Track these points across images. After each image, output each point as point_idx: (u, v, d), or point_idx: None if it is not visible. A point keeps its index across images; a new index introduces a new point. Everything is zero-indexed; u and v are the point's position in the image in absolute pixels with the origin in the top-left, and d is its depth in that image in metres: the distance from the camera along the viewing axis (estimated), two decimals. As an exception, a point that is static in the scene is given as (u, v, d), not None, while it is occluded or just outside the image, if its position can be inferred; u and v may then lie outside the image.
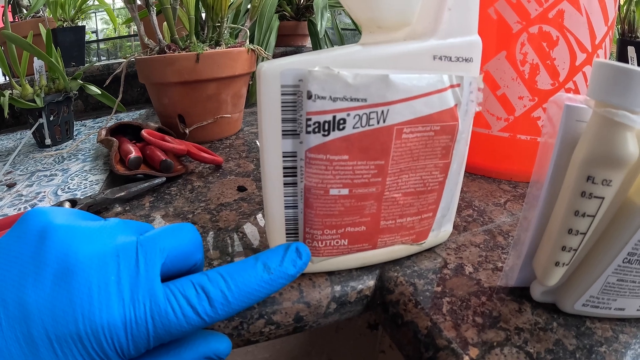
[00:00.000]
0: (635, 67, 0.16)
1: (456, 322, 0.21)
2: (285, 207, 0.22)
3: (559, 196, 0.20)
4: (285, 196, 0.22)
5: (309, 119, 0.19)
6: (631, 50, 0.61)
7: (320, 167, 0.20)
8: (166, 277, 0.17)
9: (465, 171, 0.26)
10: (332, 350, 0.38)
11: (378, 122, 0.19)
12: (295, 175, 0.21)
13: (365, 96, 0.18)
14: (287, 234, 0.23)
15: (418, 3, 0.20)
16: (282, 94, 0.19)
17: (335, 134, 0.19)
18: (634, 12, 0.69)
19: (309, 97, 0.18)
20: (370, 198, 0.21)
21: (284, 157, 0.20)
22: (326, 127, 0.19)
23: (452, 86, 0.20)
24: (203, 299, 0.16)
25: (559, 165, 0.20)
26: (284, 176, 0.21)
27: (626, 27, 0.71)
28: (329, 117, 0.19)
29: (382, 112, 0.19)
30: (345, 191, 0.20)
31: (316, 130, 0.19)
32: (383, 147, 0.20)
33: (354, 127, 0.19)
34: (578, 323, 0.21)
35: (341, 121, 0.19)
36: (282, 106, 0.19)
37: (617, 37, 0.74)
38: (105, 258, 0.16)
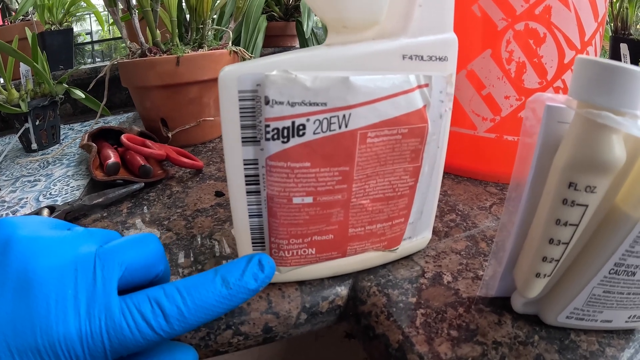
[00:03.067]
0: (619, 64, 0.15)
1: (430, 335, 0.20)
2: (249, 216, 0.21)
3: (540, 203, 0.19)
4: (249, 205, 0.21)
5: (268, 126, 0.18)
6: (624, 48, 0.60)
7: (281, 175, 0.19)
8: (127, 289, 0.17)
9: (450, 173, 0.25)
10: (313, 358, 0.37)
11: (340, 127, 0.18)
12: (259, 184, 0.20)
13: (325, 100, 0.17)
14: (253, 243, 0.22)
15: (386, 1, 0.19)
16: (239, 100, 0.18)
17: (295, 141, 0.18)
18: (627, 8, 0.67)
19: (267, 102, 0.17)
20: (337, 205, 0.20)
21: (245, 164, 0.20)
22: (285, 134, 0.18)
23: (419, 86, 0.19)
24: (158, 314, 0.16)
25: (540, 170, 0.18)
26: (247, 184, 0.20)
27: (619, 24, 0.70)
28: (287, 123, 0.18)
29: (344, 116, 0.18)
30: (309, 199, 0.19)
31: (275, 137, 0.18)
32: (347, 153, 0.19)
33: (314, 133, 0.18)
34: (562, 336, 0.20)
35: (300, 127, 0.18)
36: (240, 112, 0.18)
37: (610, 34, 0.72)
38: (64, 271, 0.16)
